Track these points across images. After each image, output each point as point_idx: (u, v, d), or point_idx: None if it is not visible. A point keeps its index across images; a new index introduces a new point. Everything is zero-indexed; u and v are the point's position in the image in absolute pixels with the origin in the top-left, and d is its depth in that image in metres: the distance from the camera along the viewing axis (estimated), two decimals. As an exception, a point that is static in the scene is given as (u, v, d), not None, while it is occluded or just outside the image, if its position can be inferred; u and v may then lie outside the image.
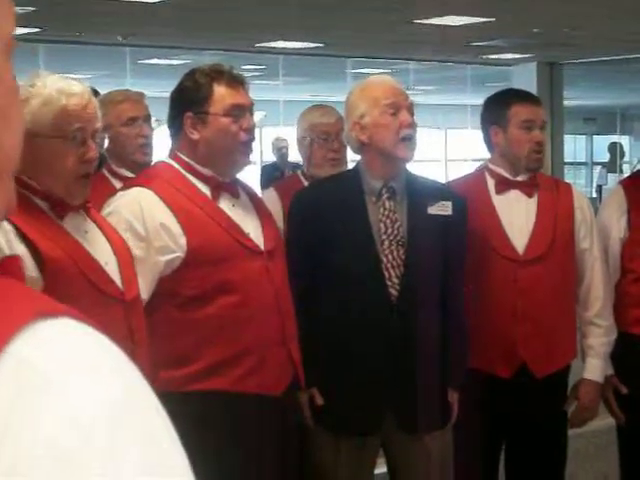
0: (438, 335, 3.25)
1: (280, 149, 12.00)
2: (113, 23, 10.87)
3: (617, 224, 3.75)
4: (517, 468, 3.69)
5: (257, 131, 3.16)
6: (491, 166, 3.65)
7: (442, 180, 4.02)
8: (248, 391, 2.90)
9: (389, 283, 3.18)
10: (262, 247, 2.99)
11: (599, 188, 21.77)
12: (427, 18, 10.63)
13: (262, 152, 16.72)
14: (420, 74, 16.86)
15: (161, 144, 3.87)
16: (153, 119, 4.10)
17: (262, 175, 12.02)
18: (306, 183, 4.16)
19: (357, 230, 3.20)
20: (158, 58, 14.71)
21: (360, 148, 3.28)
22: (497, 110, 3.61)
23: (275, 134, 12.73)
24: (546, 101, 13.53)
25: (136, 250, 2.78)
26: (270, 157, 12.86)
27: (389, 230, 3.21)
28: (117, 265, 2.60)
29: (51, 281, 2.38)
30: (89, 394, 0.64)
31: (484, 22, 10.91)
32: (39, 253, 2.39)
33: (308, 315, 3.15)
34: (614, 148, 23.80)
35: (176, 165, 3.00)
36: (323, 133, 4.20)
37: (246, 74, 3.16)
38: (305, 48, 13.47)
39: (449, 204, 3.28)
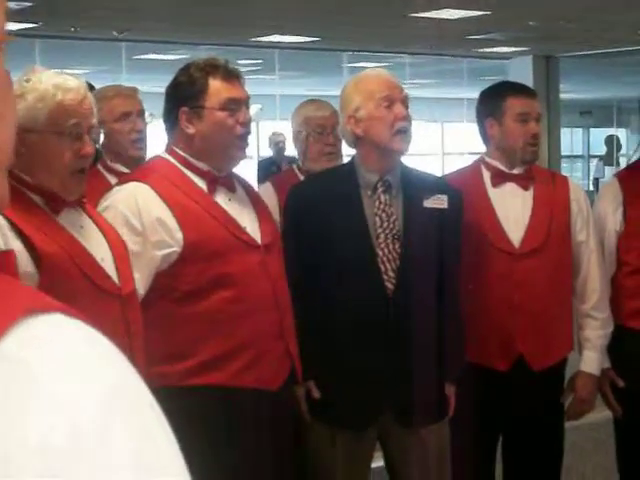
0: (435, 328, 3.25)
1: (277, 144, 12.01)
2: (109, 18, 10.87)
3: (613, 217, 3.75)
4: (514, 461, 3.69)
5: (253, 125, 3.16)
6: (487, 159, 3.65)
7: (439, 174, 4.01)
8: (245, 385, 2.90)
9: (385, 277, 3.18)
10: (259, 241, 2.99)
11: (596, 181, 21.82)
12: (423, 11, 10.63)
13: (259, 147, 16.72)
14: (416, 67, 16.86)
15: (155, 139, 3.88)
16: (147, 113, 4.09)
17: (259, 170, 12.02)
18: (302, 177, 4.17)
19: (353, 224, 3.20)
20: (154, 53, 14.70)
21: (355, 141, 3.28)
22: (492, 103, 3.61)
23: (272, 128, 12.74)
24: (542, 94, 13.53)
25: (132, 245, 2.78)
26: (267, 152, 12.86)
27: (385, 224, 3.21)
28: (113, 260, 2.60)
29: (47, 277, 2.37)
30: (80, 393, 0.63)
31: (480, 15, 10.91)
32: (35, 248, 2.39)
33: (305, 309, 3.15)
34: (611, 141, 23.84)
35: (172, 160, 3.00)
36: (318, 127, 4.21)
37: (242, 69, 3.16)
38: (301, 42, 13.47)
39: (445, 197, 3.28)
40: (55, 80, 2.49)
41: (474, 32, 12.39)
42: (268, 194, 4.02)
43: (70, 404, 0.62)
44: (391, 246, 3.20)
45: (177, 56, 13.66)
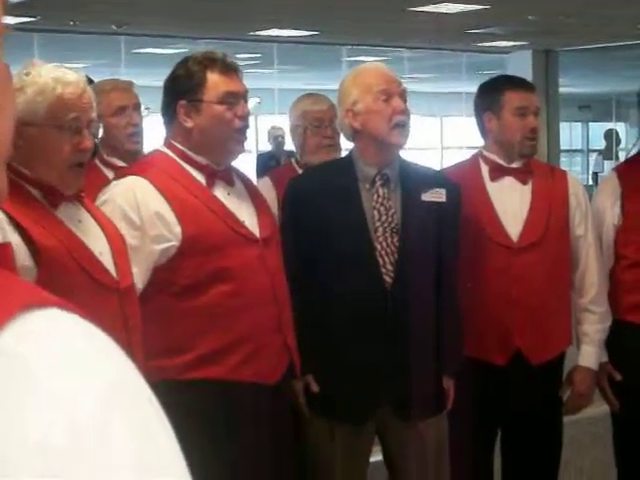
0: (433, 322, 3.26)
1: (276, 138, 12.00)
2: (107, 12, 10.85)
3: (611, 210, 3.74)
4: (513, 455, 3.70)
5: (252, 119, 3.15)
6: (485, 153, 3.65)
7: (437, 168, 4.01)
8: (244, 379, 2.90)
9: (383, 270, 3.18)
10: (257, 235, 2.99)
11: (595, 175, 21.81)
12: (422, 5, 10.62)
13: (258, 141, 16.71)
14: (415, 62, 16.85)
15: (152, 132, 3.88)
16: (142, 107, 4.09)
17: (258, 164, 12.01)
18: (300, 171, 4.17)
19: (351, 217, 3.20)
20: (153, 47, 14.68)
21: (353, 135, 3.28)
22: (490, 96, 3.61)
23: (270, 123, 12.73)
24: (541, 88, 13.53)
25: (131, 239, 2.78)
26: (266, 146, 12.86)
27: (383, 217, 3.21)
28: (111, 254, 2.60)
29: (45, 270, 2.37)
30: (78, 389, 0.62)
31: (479, 9, 10.91)
32: (33, 242, 2.39)
33: (303, 302, 3.15)
34: (610, 135, 23.82)
35: (171, 153, 2.99)
36: (316, 120, 4.22)
37: (241, 63, 3.16)
38: (300, 36, 13.46)
39: (443, 191, 3.29)
40: (55, 73, 2.49)
41: (473, 26, 12.39)
42: (266, 188, 4.02)
43: (69, 400, 0.61)
44: (389, 240, 3.20)
45: (176, 50, 13.65)
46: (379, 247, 3.19)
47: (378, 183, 3.24)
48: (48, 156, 2.48)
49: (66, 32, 12.60)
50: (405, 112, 3.21)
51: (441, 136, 24.11)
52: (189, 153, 2.98)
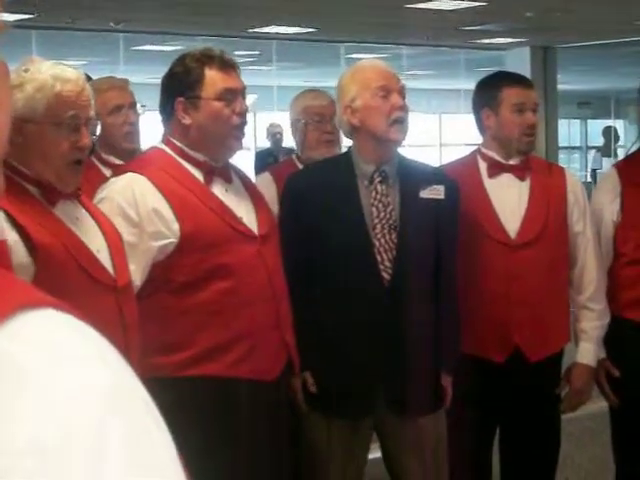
0: (431, 319, 3.26)
1: (274, 135, 12.01)
2: (105, 9, 10.84)
3: (610, 207, 3.74)
4: (511, 452, 3.69)
5: (251, 116, 3.16)
6: (483, 149, 3.65)
7: (436, 165, 4.01)
8: (242, 376, 2.90)
9: (381, 267, 3.18)
10: (255, 232, 2.98)
11: (594, 172, 21.80)
12: (420, 3, 10.62)
13: (256, 138, 16.71)
14: (414, 59, 16.85)
15: (148, 129, 3.88)
16: (138, 105, 4.09)
17: (256, 161, 12.02)
18: (300, 167, 4.16)
19: (349, 214, 3.20)
20: (151, 44, 14.67)
21: (352, 132, 3.28)
22: (489, 93, 3.60)
23: (269, 120, 12.73)
24: (540, 85, 13.53)
25: (129, 236, 2.78)
26: (264, 143, 12.85)
27: (381, 214, 3.21)
28: (108, 252, 2.60)
29: (43, 268, 2.37)
30: (72, 390, 0.61)
31: (477, 6, 10.91)
32: (30, 239, 2.38)
33: (301, 299, 3.15)
34: (608, 132, 23.82)
35: (169, 150, 2.99)
36: (316, 115, 4.21)
37: (239, 60, 3.16)
38: (299, 33, 13.46)
39: (441, 188, 3.28)
40: (54, 71, 2.49)
41: (471, 23, 12.39)
42: (267, 183, 4.02)
43: (61, 401, 0.61)
44: (387, 236, 3.20)
45: (174, 47, 13.64)
46: (377, 244, 3.19)
47: (377, 180, 3.24)
48: (46, 153, 2.48)
49: (64, 29, 12.58)
50: (403, 108, 3.21)
51: (439, 133, 24.09)
52: (187, 150, 2.98)
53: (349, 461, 3.30)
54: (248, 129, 3.06)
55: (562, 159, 20.90)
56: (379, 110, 3.19)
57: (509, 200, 3.55)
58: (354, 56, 14.90)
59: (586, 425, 5.43)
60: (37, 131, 2.46)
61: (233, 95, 2.95)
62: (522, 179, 3.58)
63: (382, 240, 3.20)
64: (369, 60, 3.47)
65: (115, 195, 2.86)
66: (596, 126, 26.56)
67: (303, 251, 3.23)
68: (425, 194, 3.25)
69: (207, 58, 2.95)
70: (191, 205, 2.88)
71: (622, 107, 26.28)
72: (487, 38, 14.24)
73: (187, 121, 2.95)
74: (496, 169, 3.59)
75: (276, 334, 2.99)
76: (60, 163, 2.49)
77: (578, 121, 27.71)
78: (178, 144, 2.98)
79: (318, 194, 3.23)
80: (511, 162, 3.59)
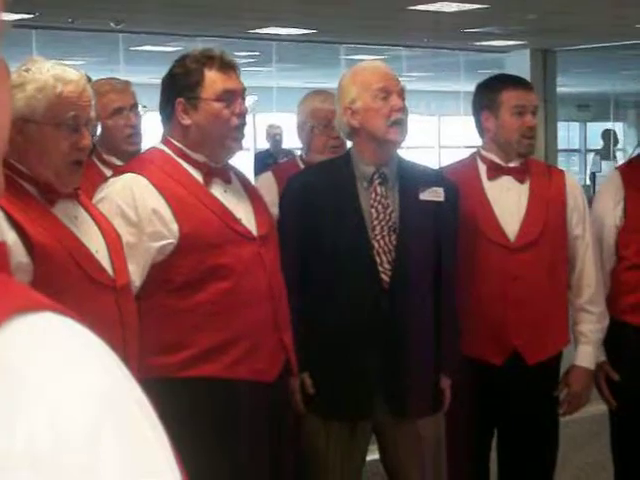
0: (430, 321, 3.26)
1: (274, 136, 12.00)
2: (105, 9, 10.84)
3: (613, 211, 3.74)
4: (510, 454, 3.69)
5: (250, 117, 3.16)
6: (483, 152, 3.65)
7: (435, 167, 4.01)
8: (240, 377, 2.90)
9: (381, 269, 3.18)
10: (254, 233, 2.98)
11: (593, 175, 21.78)
12: (420, 4, 10.61)
13: (255, 139, 16.71)
14: (413, 61, 16.83)
15: (149, 130, 3.87)
16: (140, 106, 4.07)
17: (256, 162, 12.01)
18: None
19: (348, 216, 3.20)
20: (151, 45, 14.67)
21: (351, 133, 3.28)
22: (488, 95, 3.60)
23: (268, 121, 12.72)
24: (539, 88, 13.52)
25: (128, 236, 2.78)
26: (264, 144, 12.85)
27: (381, 216, 3.21)
28: (107, 252, 2.60)
29: (42, 268, 2.37)
30: (69, 394, 0.61)
31: (477, 9, 10.89)
32: (29, 239, 2.38)
33: (300, 300, 3.15)
34: (608, 135, 23.80)
35: (168, 151, 2.99)
36: (324, 119, 4.19)
37: (239, 61, 3.16)
38: (298, 34, 13.45)
39: (441, 190, 3.29)
40: (55, 71, 2.49)
41: (471, 25, 12.38)
42: (268, 184, 4.02)
43: (57, 407, 0.60)
44: (387, 238, 3.20)
45: (174, 48, 13.63)
46: (376, 245, 3.19)
47: (376, 181, 3.24)
48: (46, 153, 2.48)
49: (64, 29, 12.58)
50: (403, 110, 3.21)
51: (439, 135, 24.09)
52: (186, 150, 2.98)
53: (347, 463, 3.30)
54: (248, 130, 3.06)
55: (561, 162, 20.88)
56: (379, 112, 3.19)
57: (508, 203, 3.55)
58: (354, 57, 14.89)
59: (585, 427, 5.43)
60: (37, 131, 2.46)
61: (233, 96, 2.95)
62: (522, 182, 3.58)
63: (381, 242, 3.20)
64: (369, 62, 3.47)
65: (114, 195, 2.86)
66: (595, 129, 26.56)
67: (302, 252, 3.23)
68: (425, 196, 3.26)
69: (207, 59, 2.95)
70: (190, 206, 2.88)
71: (621, 110, 26.28)
72: (487, 40, 14.22)
73: (187, 122, 2.95)
74: (496, 171, 3.59)
75: (274, 335, 2.99)
76: (60, 163, 2.49)
77: (577, 124, 27.70)
78: (177, 145, 2.98)
79: (317, 196, 3.23)
80: (511, 165, 3.59)
